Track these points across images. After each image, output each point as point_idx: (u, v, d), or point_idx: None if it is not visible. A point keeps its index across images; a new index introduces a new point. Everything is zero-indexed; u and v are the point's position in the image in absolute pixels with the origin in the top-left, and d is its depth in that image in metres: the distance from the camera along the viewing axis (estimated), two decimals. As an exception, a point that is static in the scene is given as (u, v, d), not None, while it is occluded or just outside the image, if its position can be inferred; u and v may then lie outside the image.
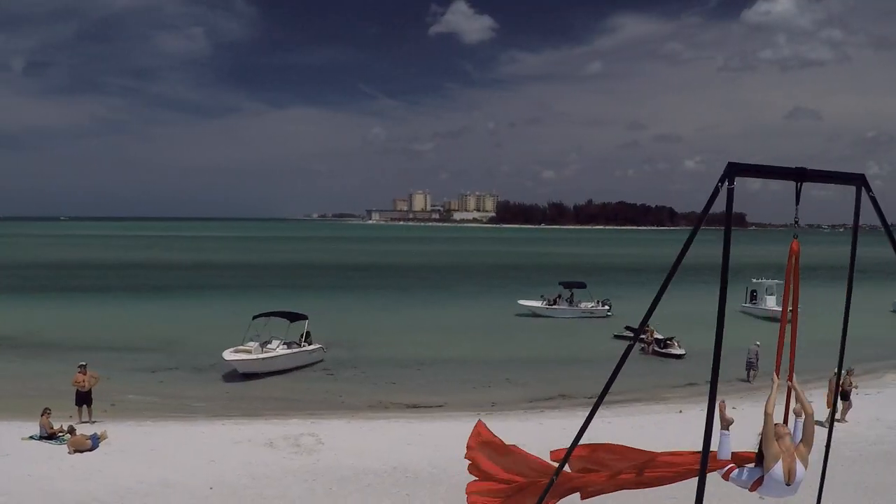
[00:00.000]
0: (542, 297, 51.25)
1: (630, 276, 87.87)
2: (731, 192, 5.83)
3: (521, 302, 50.85)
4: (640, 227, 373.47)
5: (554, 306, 50.06)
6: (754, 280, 52.55)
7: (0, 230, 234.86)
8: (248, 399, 27.09)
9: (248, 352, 30.20)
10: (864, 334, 40.48)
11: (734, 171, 5.85)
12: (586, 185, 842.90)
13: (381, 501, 15.71)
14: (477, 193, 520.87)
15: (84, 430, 20.41)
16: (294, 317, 33.31)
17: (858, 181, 6.25)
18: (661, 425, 22.20)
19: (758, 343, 30.67)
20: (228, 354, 29.67)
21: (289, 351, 31.45)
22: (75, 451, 18.77)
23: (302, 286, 70.19)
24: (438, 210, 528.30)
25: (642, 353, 35.89)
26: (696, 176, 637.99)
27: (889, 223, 6.40)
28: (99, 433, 20.02)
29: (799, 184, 6.13)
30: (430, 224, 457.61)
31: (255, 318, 32.11)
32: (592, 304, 49.60)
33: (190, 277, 79.52)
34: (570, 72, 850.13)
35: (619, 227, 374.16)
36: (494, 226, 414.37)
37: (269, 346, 31.04)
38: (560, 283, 51.95)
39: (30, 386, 27.52)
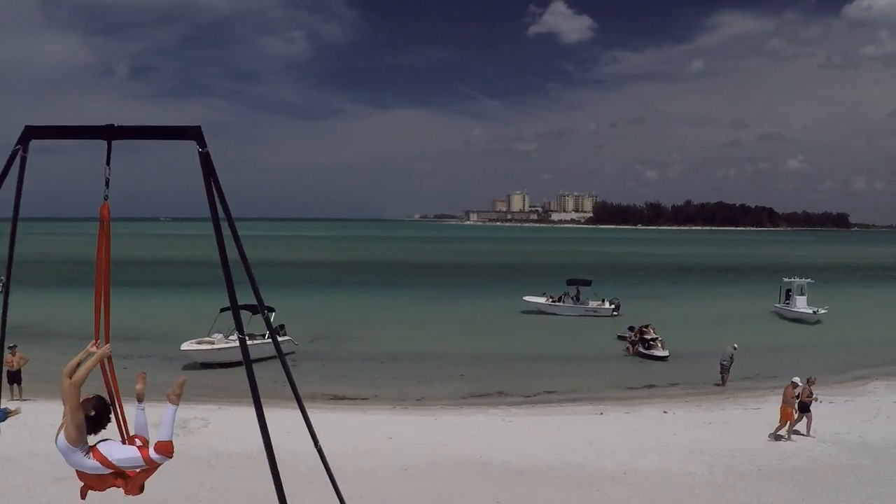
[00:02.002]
0: (544, 294, 50.36)
1: (684, 277, 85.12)
2: (24, 160, 5.29)
3: (526, 299, 50.02)
4: (738, 228, 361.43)
5: (558, 304, 48.95)
6: (785, 279, 49.87)
7: (90, 229, 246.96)
8: (191, 386, 26.91)
9: (212, 343, 30.86)
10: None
11: (31, 133, 5.32)
12: (688, 186, 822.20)
13: (212, 480, 15.88)
14: (575, 194, 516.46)
15: (24, 407, 21.44)
16: (258, 309, 33.58)
17: (193, 134, 5.41)
18: (573, 426, 21.29)
19: (735, 346, 29.11)
20: (186, 345, 30.32)
21: (249, 342, 31.68)
22: None
23: (318, 282, 73.17)
24: (536, 210, 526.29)
25: (626, 353, 34.60)
26: (800, 175, 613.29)
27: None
28: (12, 408, 20.93)
29: (109, 143, 5.59)
30: (526, 225, 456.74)
31: (222, 310, 32.58)
32: (597, 303, 48.17)
33: (239, 274, 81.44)
34: (673, 70, 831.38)
35: (716, 228, 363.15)
36: (591, 226, 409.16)
37: (231, 337, 31.55)
38: (567, 281, 50.74)
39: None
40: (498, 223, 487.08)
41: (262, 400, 20.23)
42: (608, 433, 20.16)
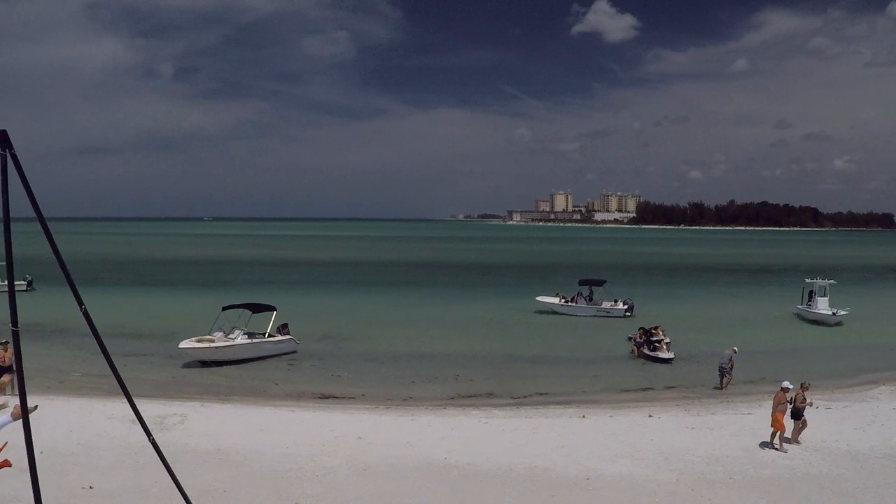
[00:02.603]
0: (557, 294, 49.77)
1: (713, 277, 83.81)
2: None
3: (539, 299, 49.51)
4: (781, 228, 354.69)
5: (570, 304, 48.31)
6: (807, 280, 48.56)
7: (135, 229, 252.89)
8: (185, 383, 27.76)
9: (212, 341, 31.03)
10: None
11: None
12: (733, 186, 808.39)
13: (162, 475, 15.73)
14: (619, 194, 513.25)
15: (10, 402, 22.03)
16: (258, 308, 33.86)
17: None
18: (550, 429, 20.82)
19: (735, 349, 28.36)
20: (184, 343, 30.50)
21: (247, 341, 31.92)
22: None
23: (342, 282, 73.41)
24: (580, 210, 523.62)
25: (631, 355, 33.92)
26: (846, 175, 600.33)
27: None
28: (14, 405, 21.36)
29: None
30: (568, 225, 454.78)
31: (224, 309, 32.85)
32: (610, 304, 47.39)
33: (263, 273, 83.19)
34: (716, 70, 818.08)
35: (759, 228, 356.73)
36: (633, 226, 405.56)
37: (230, 336, 31.72)
38: (579, 281, 50.09)
39: (27, 363, 29.32)
40: (540, 223, 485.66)
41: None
42: (585, 437, 19.69)
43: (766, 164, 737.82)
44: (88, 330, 6.16)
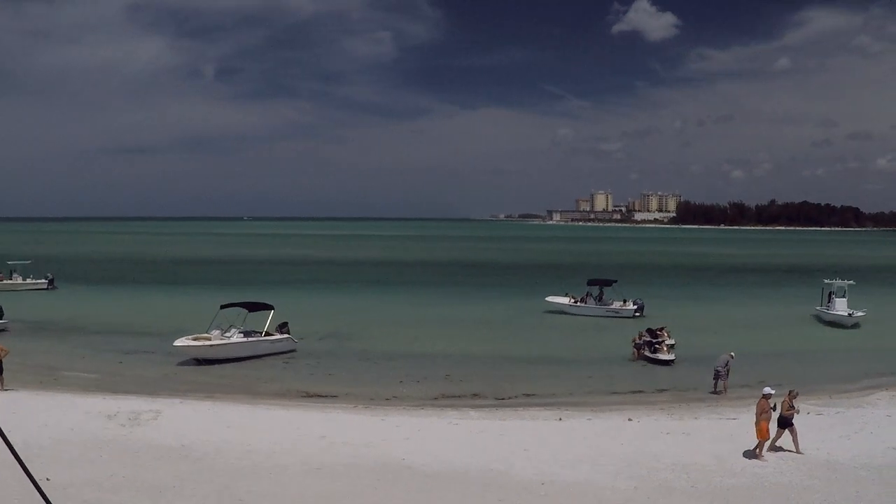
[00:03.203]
0: (567, 294, 49.21)
1: (737, 277, 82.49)
2: None
3: (549, 299, 49.00)
4: (822, 228, 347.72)
5: (579, 304, 47.75)
6: (826, 281, 47.31)
7: (171, 229, 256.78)
8: (175, 380, 28.02)
9: (209, 339, 31.25)
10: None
11: None
12: (775, 185, 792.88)
13: (129, 470, 16.10)
14: (659, 194, 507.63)
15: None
16: (254, 307, 33.96)
17: None
18: (520, 431, 20.50)
19: (732, 354, 27.58)
20: (179, 341, 30.75)
21: (243, 340, 32.04)
22: None
23: (359, 281, 73.48)
24: (620, 210, 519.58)
25: (632, 356, 33.31)
26: (889, 175, 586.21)
27: None
28: None
29: None
30: (608, 224, 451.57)
31: (222, 307, 33.02)
32: (620, 304, 46.72)
33: (284, 272, 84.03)
34: (759, 68, 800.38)
35: (800, 228, 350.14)
36: (672, 226, 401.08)
37: (227, 334, 31.90)
38: (588, 281, 49.41)
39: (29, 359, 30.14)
40: (580, 223, 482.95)
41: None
42: (552, 440, 19.30)
43: (808, 163, 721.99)
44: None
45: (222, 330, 32.09)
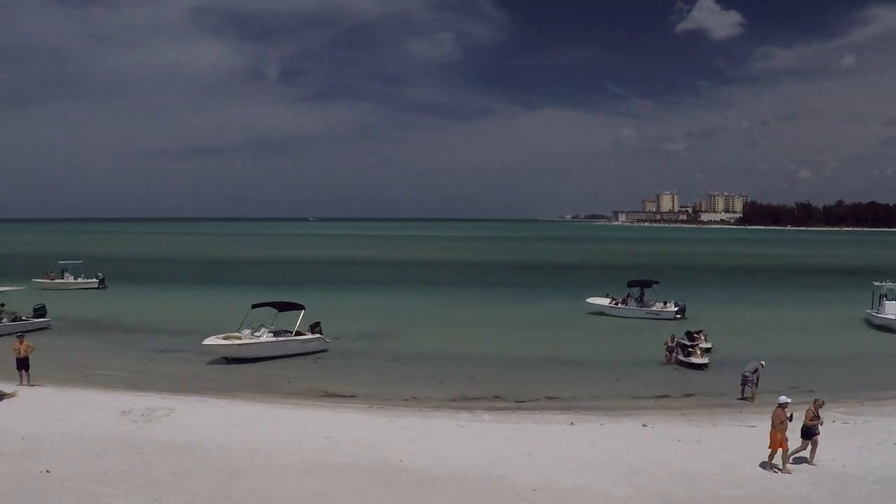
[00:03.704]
0: (607, 295, 48.52)
1: (791, 280, 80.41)
2: None
3: (589, 300, 48.36)
4: (891, 229, 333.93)
5: (619, 305, 47.03)
6: (875, 283, 45.49)
7: (240, 230, 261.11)
8: (200, 378, 28.51)
9: (239, 338, 31.78)
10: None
11: None
12: (843, 185, 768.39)
13: (127, 464, 16.53)
14: (725, 194, 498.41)
15: (26, 392, 23.96)
16: (284, 306, 34.28)
17: None
18: (527, 435, 20.24)
19: (762, 363, 26.66)
20: (208, 340, 31.37)
21: (272, 339, 32.44)
22: None
23: (406, 281, 73.97)
24: (686, 211, 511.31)
25: (665, 360, 32.64)
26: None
27: None
28: (9, 392, 22.98)
29: None
30: (674, 225, 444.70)
31: (253, 307, 33.52)
32: (660, 305, 45.81)
33: (333, 273, 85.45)
34: (824, 66, 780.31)
35: (868, 229, 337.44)
36: (740, 227, 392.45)
37: (256, 333, 32.36)
38: (628, 283, 48.68)
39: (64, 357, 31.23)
40: (645, 223, 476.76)
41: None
42: (557, 445, 18.98)
43: (875, 162, 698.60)
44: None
45: (252, 329, 32.57)
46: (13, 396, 23.05)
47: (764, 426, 20.46)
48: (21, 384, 24.79)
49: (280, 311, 34.02)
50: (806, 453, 17.73)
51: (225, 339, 31.66)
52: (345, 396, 25.77)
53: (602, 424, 21.71)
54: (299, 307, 34.65)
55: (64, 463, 16.23)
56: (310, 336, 33.99)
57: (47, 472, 15.64)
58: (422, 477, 16.18)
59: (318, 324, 34.87)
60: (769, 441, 17.47)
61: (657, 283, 47.92)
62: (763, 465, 17.39)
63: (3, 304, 39.10)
